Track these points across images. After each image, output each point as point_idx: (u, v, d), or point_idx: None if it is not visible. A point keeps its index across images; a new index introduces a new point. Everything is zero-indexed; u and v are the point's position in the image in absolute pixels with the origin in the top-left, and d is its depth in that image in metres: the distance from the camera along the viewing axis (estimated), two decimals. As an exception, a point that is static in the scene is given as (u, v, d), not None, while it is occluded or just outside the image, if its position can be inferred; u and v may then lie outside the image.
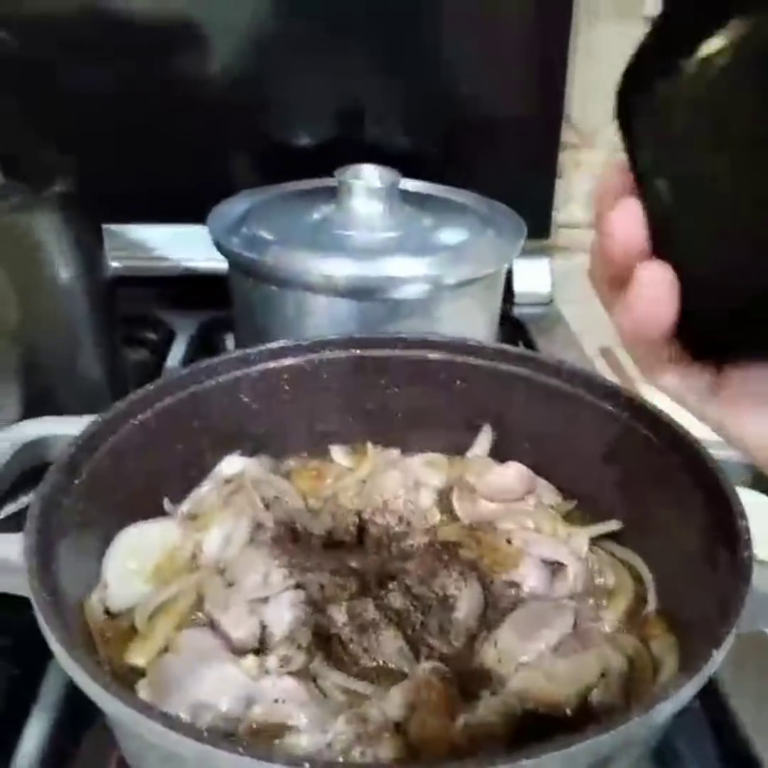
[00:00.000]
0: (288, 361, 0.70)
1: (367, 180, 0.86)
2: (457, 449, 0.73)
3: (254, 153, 1.14)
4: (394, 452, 0.73)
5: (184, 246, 1.14)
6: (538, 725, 0.47)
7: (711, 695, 0.58)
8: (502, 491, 0.63)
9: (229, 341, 1.10)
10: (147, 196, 1.09)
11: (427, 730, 0.44)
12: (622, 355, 1.19)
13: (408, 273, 0.80)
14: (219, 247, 0.86)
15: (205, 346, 1.08)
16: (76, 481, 0.54)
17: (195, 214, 0.98)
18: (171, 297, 1.16)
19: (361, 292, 0.80)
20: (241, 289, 0.87)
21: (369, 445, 0.73)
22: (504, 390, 0.69)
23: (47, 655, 0.60)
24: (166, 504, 0.64)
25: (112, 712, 0.39)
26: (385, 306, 0.81)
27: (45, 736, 0.56)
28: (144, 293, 1.12)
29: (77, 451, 0.55)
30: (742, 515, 0.48)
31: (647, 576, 0.58)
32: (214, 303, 1.09)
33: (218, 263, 1.06)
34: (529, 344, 1.12)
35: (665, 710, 0.40)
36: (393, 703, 0.45)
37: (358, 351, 0.71)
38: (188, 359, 1.03)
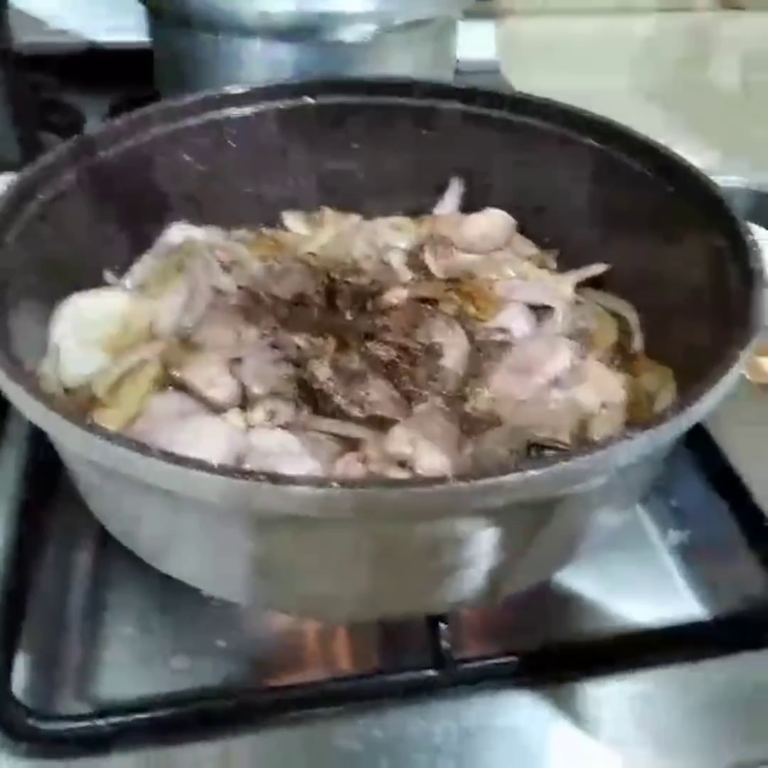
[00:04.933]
0: (232, 111, 0.61)
1: None
2: (424, 212, 0.67)
3: None
4: (355, 218, 0.67)
5: (88, 16, 0.99)
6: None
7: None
8: (481, 240, 0.59)
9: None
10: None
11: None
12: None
13: (353, 9, 0.70)
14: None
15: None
16: (9, 240, 0.47)
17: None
18: (77, 78, 1.01)
19: (301, 32, 0.70)
20: (163, 40, 0.76)
21: (326, 210, 0.67)
22: (476, 136, 0.62)
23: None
24: (108, 276, 0.58)
25: (98, 457, 0.34)
26: (328, 50, 0.72)
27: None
28: (46, 77, 0.98)
29: (3, 208, 0.47)
30: (748, 231, 0.46)
31: (633, 318, 0.56)
32: (124, 82, 0.97)
33: (127, 35, 0.93)
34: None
35: (670, 431, 0.37)
36: (397, 440, 0.43)
37: (312, 99, 0.63)
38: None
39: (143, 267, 0.59)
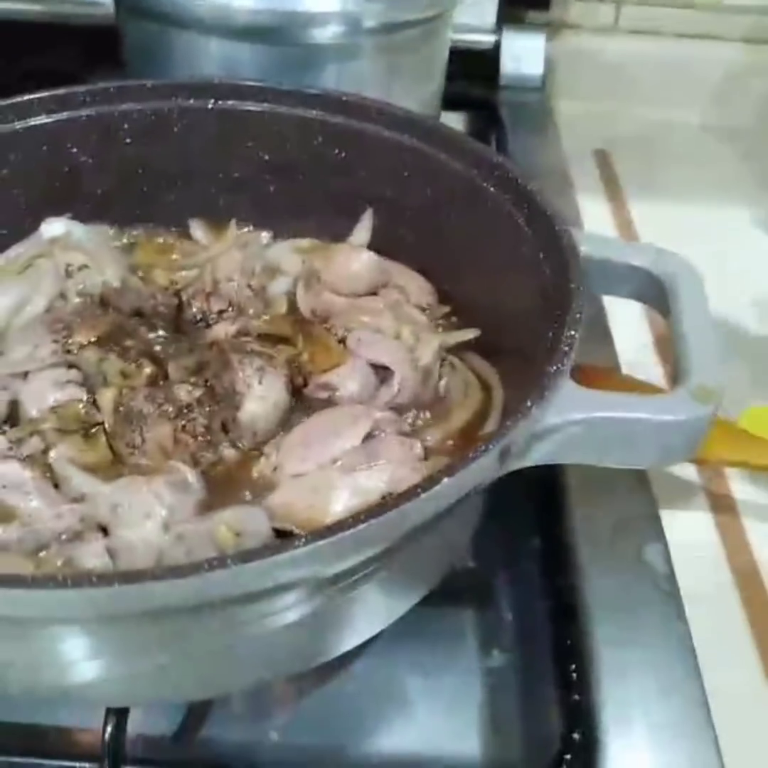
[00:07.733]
0: (128, 106, 0.57)
1: None
2: (337, 237, 0.61)
3: None
4: (262, 234, 0.62)
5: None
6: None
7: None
8: (348, 282, 0.52)
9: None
10: None
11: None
12: (618, 161, 1.02)
13: (321, 8, 0.65)
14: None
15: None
16: None
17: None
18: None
19: (262, 32, 0.65)
20: (124, 26, 0.73)
21: (233, 222, 0.62)
22: (390, 165, 0.56)
23: None
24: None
25: None
26: (290, 53, 0.67)
27: None
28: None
29: None
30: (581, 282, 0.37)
31: (497, 394, 0.48)
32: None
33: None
34: (502, 137, 0.96)
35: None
36: (98, 501, 0.38)
37: (218, 102, 0.58)
38: None
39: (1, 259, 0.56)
